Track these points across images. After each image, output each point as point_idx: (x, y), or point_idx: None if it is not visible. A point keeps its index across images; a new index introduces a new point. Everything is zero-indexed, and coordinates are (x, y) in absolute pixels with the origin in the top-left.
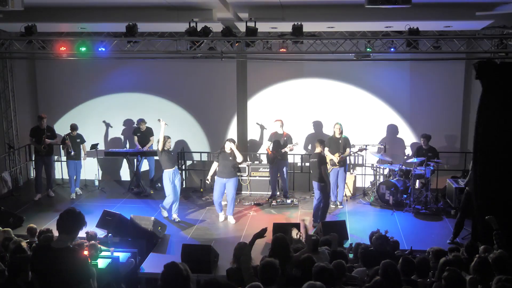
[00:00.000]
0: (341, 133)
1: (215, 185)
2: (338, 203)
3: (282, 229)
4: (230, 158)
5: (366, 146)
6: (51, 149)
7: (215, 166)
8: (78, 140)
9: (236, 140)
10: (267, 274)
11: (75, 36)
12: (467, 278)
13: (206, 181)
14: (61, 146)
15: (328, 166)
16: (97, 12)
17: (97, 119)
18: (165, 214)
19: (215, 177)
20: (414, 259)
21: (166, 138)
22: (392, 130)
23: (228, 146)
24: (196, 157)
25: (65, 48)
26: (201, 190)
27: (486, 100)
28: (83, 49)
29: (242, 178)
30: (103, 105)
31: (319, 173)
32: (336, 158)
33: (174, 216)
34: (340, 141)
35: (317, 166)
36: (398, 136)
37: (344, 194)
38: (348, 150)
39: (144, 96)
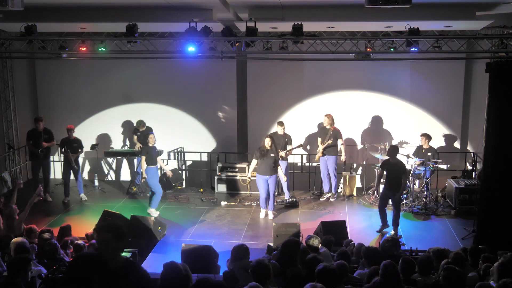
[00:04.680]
0: (330, 124)
1: (258, 183)
2: (330, 195)
3: (282, 229)
4: (272, 155)
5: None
6: (48, 152)
7: (254, 163)
8: (75, 145)
9: (236, 140)
10: (259, 273)
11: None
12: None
13: (248, 179)
14: (59, 151)
15: (317, 154)
16: (97, 12)
17: (97, 119)
18: (155, 214)
19: (257, 174)
20: (415, 258)
21: (148, 135)
22: (392, 130)
23: (268, 143)
24: (196, 157)
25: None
26: (201, 190)
27: (498, 99)
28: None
29: (242, 178)
30: (103, 105)
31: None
32: (321, 147)
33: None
34: (330, 132)
35: (397, 174)
36: (398, 136)
37: (339, 191)
38: (335, 140)
39: (144, 96)
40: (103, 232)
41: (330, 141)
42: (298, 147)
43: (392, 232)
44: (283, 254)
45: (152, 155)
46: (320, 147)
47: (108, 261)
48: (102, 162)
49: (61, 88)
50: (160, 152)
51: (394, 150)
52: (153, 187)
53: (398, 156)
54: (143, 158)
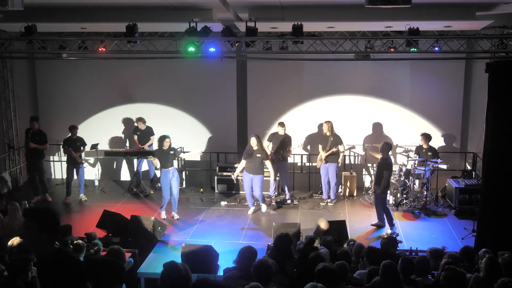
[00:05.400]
0: (329, 131)
1: (244, 180)
2: (329, 200)
3: (282, 229)
4: (258, 155)
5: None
6: (41, 153)
7: (242, 164)
8: (78, 144)
9: (236, 140)
10: (261, 273)
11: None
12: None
13: (232, 176)
14: (62, 151)
15: (318, 162)
16: (97, 12)
17: (97, 119)
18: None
19: (244, 171)
20: (413, 259)
21: (164, 138)
22: (392, 130)
23: (254, 142)
24: (195, 157)
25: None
26: (201, 190)
27: (498, 99)
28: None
29: (232, 178)
30: (103, 105)
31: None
32: (323, 154)
33: (174, 214)
34: (330, 139)
35: (381, 169)
36: (398, 136)
37: (339, 191)
38: (337, 147)
39: (143, 96)
40: (26, 218)
41: (335, 149)
42: (298, 147)
43: (389, 230)
44: (277, 249)
45: (166, 158)
46: (323, 155)
47: (34, 250)
48: (102, 162)
49: (61, 88)
50: (178, 153)
51: (386, 146)
52: (162, 189)
53: (399, 156)
54: (156, 160)
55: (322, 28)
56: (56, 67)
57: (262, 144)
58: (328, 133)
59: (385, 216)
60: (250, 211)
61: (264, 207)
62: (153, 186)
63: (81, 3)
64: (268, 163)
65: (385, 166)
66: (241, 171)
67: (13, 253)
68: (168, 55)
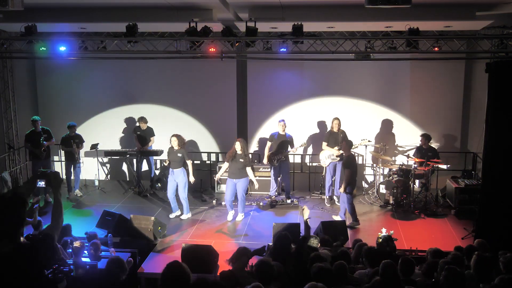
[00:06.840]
0: (339, 128)
1: (226, 185)
2: (335, 198)
3: (282, 230)
4: (241, 160)
5: (369, 140)
6: (49, 152)
7: (225, 166)
8: (77, 141)
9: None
10: (263, 273)
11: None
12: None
13: (214, 177)
14: (60, 149)
15: (326, 160)
16: (97, 12)
17: (97, 119)
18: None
19: (227, 177)
20: (420, 260)
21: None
22: (392, 130)
23: (238, 147)
24: (195, 157)
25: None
26: (201, 190)
27: (498, 99)
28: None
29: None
30: (103, 105)
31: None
32: (335, 152)
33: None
34: (340, 135)
35: (343, 168)
36: (398, 136)
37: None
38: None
39: (143, 96)
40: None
41: (365, 141)
42: (301, 146)
43: (384, 230)
44: (277, 249)
45: (172, 158)
46: (335, 152)
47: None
48: (102, 161)
49: (61, 88)
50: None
51: (346, 144)
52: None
53: (399, 157)
54: (167, 160)
55: (322, 28)
56: (56, 67)
57: (247, 149)
58: (336, 130)
59: (351, 212)
60: (231, 217)
61: (240, 217)
62: (153, 186)
63: (81, 3)
64: (249, 170)
65: (347, 164)
66: (225, 171)
67: None
68: (168, 55)
